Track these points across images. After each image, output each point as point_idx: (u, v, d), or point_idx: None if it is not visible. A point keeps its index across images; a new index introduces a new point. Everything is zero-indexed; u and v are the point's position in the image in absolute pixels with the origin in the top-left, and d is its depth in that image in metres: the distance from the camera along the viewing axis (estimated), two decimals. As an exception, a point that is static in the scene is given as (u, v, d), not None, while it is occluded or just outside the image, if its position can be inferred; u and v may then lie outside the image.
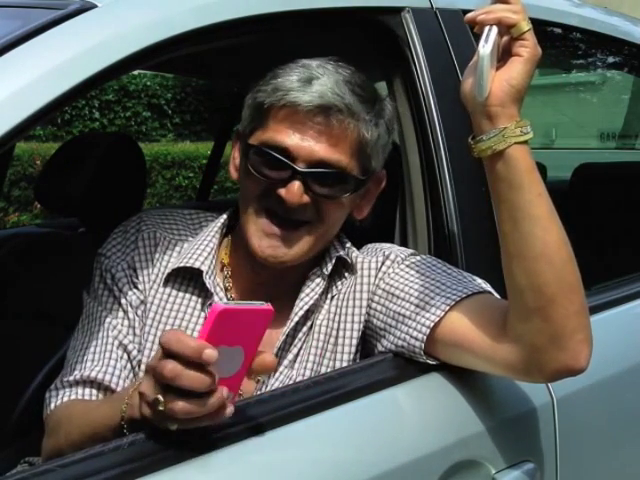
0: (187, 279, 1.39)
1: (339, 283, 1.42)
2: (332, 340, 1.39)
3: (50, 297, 2.00)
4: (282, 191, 1.31)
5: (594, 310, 1.42)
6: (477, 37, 1.20)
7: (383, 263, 1.40)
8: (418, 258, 1.41)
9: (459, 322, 1.28)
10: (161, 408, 1.00)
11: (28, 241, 2.33)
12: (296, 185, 1.31)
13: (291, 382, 1.36)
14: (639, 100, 4.25)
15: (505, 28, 1.19)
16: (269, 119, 1.34)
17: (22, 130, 1.06)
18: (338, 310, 1.40)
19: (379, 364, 1.34)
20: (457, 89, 1.25)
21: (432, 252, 1.50)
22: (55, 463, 1.03)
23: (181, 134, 11.05)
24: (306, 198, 1.32)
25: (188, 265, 1.38)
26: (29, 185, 7.89)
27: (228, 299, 1.39)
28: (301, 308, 1.38)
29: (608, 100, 6.04)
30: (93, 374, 1.30)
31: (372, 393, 1.28)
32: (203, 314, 1.37)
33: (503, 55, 1.21)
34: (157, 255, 1.40)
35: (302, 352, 1.39)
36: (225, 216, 1.46)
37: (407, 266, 1.38)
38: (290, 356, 1.38)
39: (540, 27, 1.21)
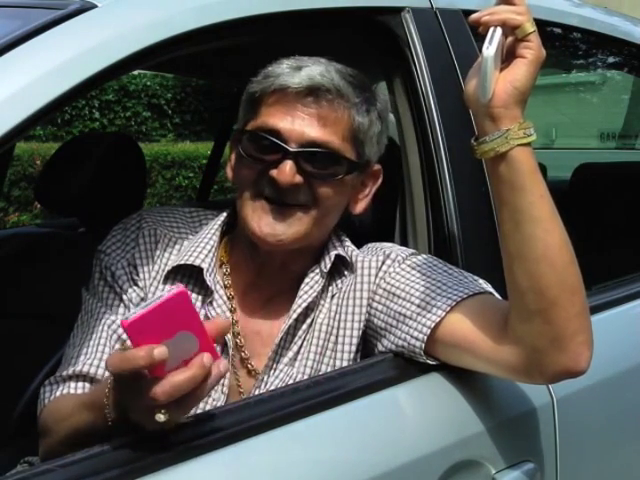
0: (187, 276, 1.40)
1: (339, 282, 1.42)
2: (332, 339, 1.39)
3: (50, 297, 2.00)
4: (274, 172, 1.32)
5: (594, 310, 1.41)
6: (478, 37, 1.20)
7: (384, 262, 1.40)
8: (419, 258, 1.41)
9: (460, 323, 1.28)
10: (166, 418, 1.01)
11: (28, 241, 2.34)
12: (288, 165, 1.31)
13: (291, 380, 1.36)
14: (639, 100, 4.24)
15: (510, 29, 1.18)
16: (261, 106, 1.36)
17: (22, 130, 1.06)
18: (338, 309, 1.40)
19: (379, 364, 1.35)
20: (457, 89, 1.25)
21: (432, 252, 1.50)
22: (55, 463, 1.03)
23: (181, 134, 11.06)
24: (299, 178, 1.32)
25: (188, 263, 1.38)
26: (29, 185, 7.89)
27: (228, 296, 1.40)
28: (299, 305, 1.38)
29: (608, 100, 6.04)
30: (85, 368, 1.30)
31: (372, 393, 1.28)
32: (203, 311, 1.37)
33: (507, 56, 1.20)
34: (158, 252, 1.40)
35: (302, 350, 1.39)
36: (225, 214, 1.47)
37: (408, 266, 1.38)
38: (290, 354, 1.38)
39: (540, 27, 1.20)
